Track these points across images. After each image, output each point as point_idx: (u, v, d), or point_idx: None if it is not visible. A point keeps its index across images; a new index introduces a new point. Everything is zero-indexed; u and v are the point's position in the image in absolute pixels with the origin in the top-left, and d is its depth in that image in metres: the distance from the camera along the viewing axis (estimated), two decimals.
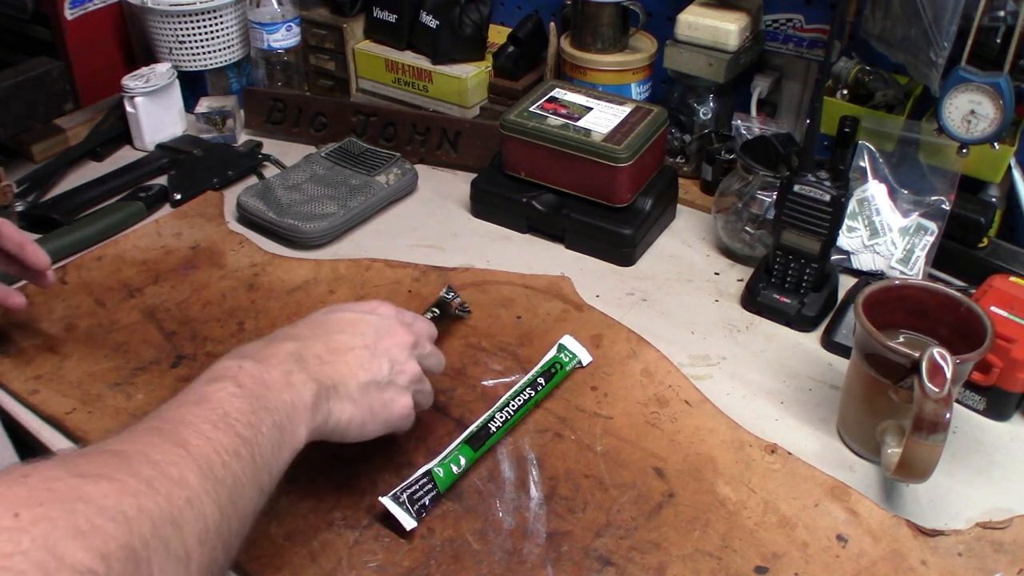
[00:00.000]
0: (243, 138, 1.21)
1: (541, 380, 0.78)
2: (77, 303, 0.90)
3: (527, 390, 0.77)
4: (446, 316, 0.84)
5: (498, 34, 1.24)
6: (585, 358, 0.82)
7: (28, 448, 0.79)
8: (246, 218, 1.03)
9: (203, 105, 1.19)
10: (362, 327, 0.67)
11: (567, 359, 0.81)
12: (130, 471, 0.45)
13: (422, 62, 1.22)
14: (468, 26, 1.20)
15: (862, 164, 0.96)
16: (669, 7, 1.10)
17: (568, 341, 0.83)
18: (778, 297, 0.89)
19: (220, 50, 1.22)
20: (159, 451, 0.48)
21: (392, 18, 1.23)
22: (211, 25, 1.20)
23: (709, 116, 1.09)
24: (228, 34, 1.22)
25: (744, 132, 1.01)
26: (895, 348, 0.67)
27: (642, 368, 0.82)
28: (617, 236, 0.97)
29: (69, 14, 1.16)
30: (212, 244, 0.99)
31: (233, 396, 0.55)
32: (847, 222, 0.94)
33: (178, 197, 1.06)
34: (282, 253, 0.99)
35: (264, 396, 0.56)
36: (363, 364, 0.64)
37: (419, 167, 1.13)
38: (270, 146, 1.18)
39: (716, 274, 0.97)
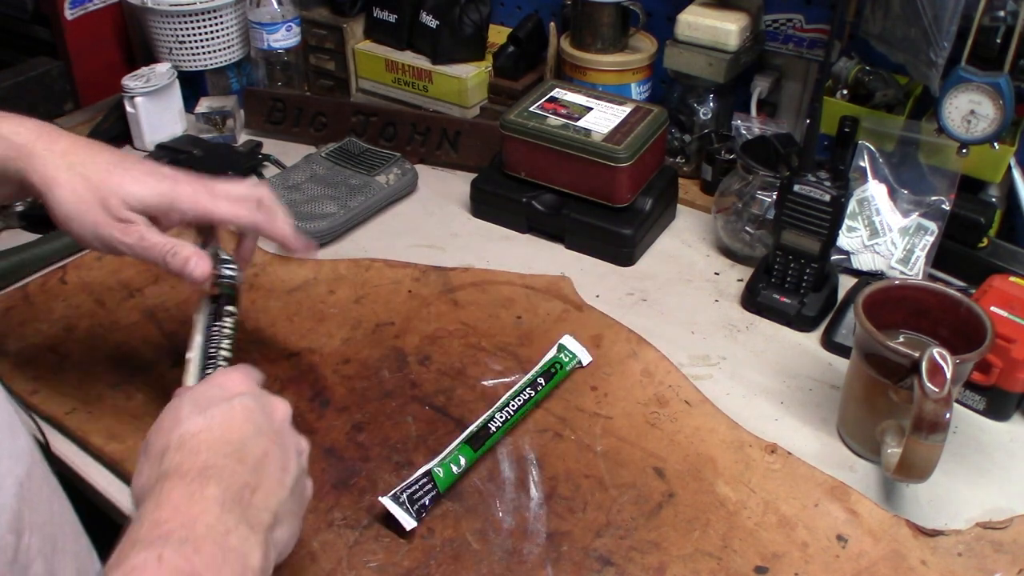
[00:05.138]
0: (243, 138, 1.21)
1: (541, 380, 0.78)
2: (77, 303, 0.90)
3: (527, 390, 0.77)
4: (235, 301, 0.73)
5: (498, 34, 1.24)
6: (585, 358, 0.82)
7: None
8: None
9: (203, 105, 1.19)
10: (254, 417, 0.54)
11: (567, 359, 0.81)
12: None
13: (422, 62, 1.22)
14: (468, 26, 1.20)
15: (862, 164, 0.96)
16: (669, 7, 1.10)
17: (568, 341, 0.83)
18: (778, 297, 0.89)
19: (220, 50, 1.22)
20: None
21: (392, 18, 1.23)
22: (211, 25, 1.20)
23: (709, 116, 1.09)
24: (228, 34, 1.22)
25: (744, 132, 1.01)
26: (895, 348, 0.67)
27: (642, 368, 0.82)
28: (617, 236, 0.97)
29: (69, 14, 1.16)
30: None
31: None
32: (847, 222, 0.94)
33: None
34: (282, 253, 0.99)
35: None
36: (282, 465, 0.53)
37: (419, 167, 1.13)
38: (270, 146, 1.18)
39: (716, 274, 0.97)
